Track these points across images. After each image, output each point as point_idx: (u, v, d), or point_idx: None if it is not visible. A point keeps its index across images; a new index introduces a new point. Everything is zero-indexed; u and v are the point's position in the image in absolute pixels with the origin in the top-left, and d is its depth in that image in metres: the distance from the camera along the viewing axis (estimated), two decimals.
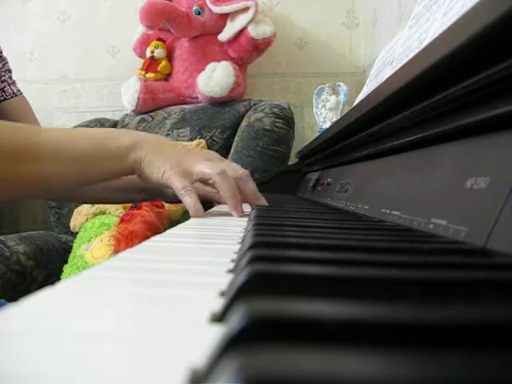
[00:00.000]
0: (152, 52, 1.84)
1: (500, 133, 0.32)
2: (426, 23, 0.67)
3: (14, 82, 0.91)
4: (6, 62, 0.90)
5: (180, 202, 0.61)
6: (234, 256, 0.30)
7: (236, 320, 0.13)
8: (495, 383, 0.10)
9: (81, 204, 1.56)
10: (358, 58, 1.91)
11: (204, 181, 0.62)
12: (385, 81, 0.54)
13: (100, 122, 1.88)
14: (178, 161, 0.62)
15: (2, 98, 0.87)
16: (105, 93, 2.08)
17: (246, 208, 0.67)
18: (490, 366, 0.10)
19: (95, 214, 1.51)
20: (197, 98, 1.78)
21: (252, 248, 0.26)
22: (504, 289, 0.19)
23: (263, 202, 0.67)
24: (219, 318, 0.17)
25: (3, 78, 0.88)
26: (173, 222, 1.37)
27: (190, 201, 0.59)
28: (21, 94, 0.92)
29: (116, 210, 1.48)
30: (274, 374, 0.10)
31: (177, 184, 0.60)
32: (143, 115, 1.83)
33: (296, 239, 0.31)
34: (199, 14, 1.78)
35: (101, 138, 0.62)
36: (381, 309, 0.14)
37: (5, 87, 0.88)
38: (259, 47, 1.75)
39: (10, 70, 0.91)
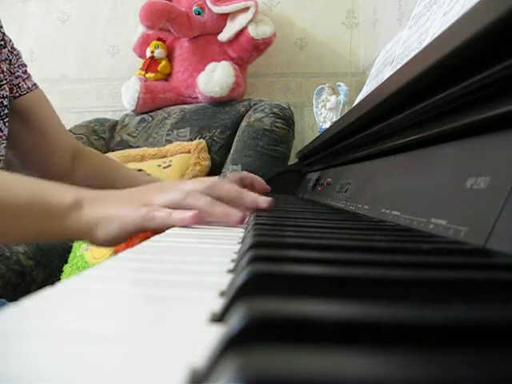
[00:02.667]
0: (152, 52, 1.84)
1: (500, 133, 0.32)
2: (426, 23, 0.67)
3: (28, 77, 0.88)
4: (20, 57, 0.88)
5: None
6: (234, 256, 0.30)
7: (236, 320, 0.13)
8: (496, 383, 0.10)
9: None
10: (358, 58, 1.91)
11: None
12: (385, 81, 0.54)
13: (100, 122, 1.88)
14: (133, 200, 0.53)
15: (18, 94, 0.85)
16: (105, 93, 2.08)
17: None
18: (491, 366, 0.10)
19: None
20: (197, 98, 1.78)
21: (252, 248, 0.26)
22: (504, 289, 0.19)
23: (256, 201, 0.56)
24: (219, 318, 0.17)
25: (17, 74, 0.86)
26: None
27: (161, 215, 0.50)
28: (36, 87, 0.89)
29: None
30: (273, 373, 0.10)
31: (136, 219, 0.50)
32: (143, 115, 1.83)
33: (296, 239, 0.31)
34: (199, 14, 1.78)
35: (38, 194, 0.53)
36: (381, 309, 0.14)
37: (19, 83, 0.86)
38: (259, 47, 1.75)
39: (23, 65, 0.88)
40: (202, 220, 0.50)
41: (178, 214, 0.49)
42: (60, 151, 0.90)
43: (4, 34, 0.82)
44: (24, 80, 0.86)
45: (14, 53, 0.86)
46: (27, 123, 0.86)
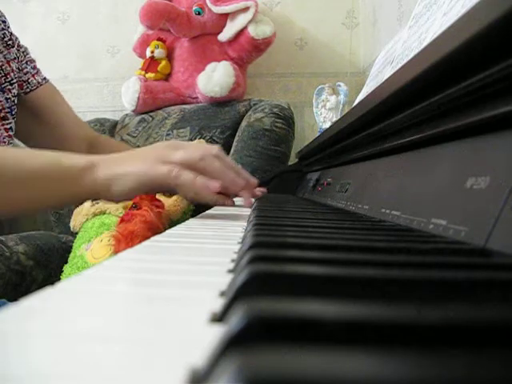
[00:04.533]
0: (152, 52, 1.84)
1: (500, 133, 0.32)
2: (426, 23, 0.67)
3: (37, 72, 0.89)
4: (28, 53, 0.88)
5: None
6: (234, 256, 0.30)
7: (236, 320, 0.13)
8: (496, 383, 0.10)
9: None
10: (358, 58, 1.91)
11: (186, 167, 0.55)
12: (385, 81, 0.54)
13: (100, 122, 1.88)
14: (147, 158, 0.56)
15: (28, 90, 0.85)
16: (105, 93, 2.08)
17: (247, 208, 0.67)
18: (491, 366, 0.10)
19: (95, 214, 1.51)
20: (197, 98, 1.78)
21: (252, 248, 0.26)
22: (504, 289, 0.19)
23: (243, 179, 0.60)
24: (219, 318, 0.17)
25: (26, 70, 0.86)
26: (173, 222, 1.37)
27: (188, 177, 0.52)
28: (47, 81, 0.89)
29: (116, 210, 1.47)
30: (274, 374, 0.10)
31: (160, 172, 0.53)
32: (143, 115, 1.83)
33: (296, 239, 0.31)
34: (199, 14, 1.78)
35: (51, 159, 0.56)
36: (381, 309, 0.14)
37: (29, 78, 0.86)
38: (259, 47, 1.75)
39: (32, 60, 0.88)
40: (216, 187, 0.53)
41: (202, 181, 0.52)
42: (75, 142, 0.89)
43: (11, 33, 0.83)
44: (33, 75, 0.87)
45: (21, 50, 0.86)
46: (40, 117, 0.86)
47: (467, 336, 0.13)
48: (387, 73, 0.82)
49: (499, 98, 0.32)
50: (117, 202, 0.59)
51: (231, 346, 0.12)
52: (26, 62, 0.87)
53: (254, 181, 0.60)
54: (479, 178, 0.33)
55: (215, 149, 0.59)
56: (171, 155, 0.55)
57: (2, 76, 0.79)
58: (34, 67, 0.88)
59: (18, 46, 0.85)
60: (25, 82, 0.85)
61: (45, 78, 0.89)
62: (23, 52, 0.86)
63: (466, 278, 0.19)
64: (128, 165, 0.55)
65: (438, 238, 0.34)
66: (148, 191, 0.57)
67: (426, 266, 0.23)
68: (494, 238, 0.28)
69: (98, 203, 1.49)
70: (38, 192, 0.55)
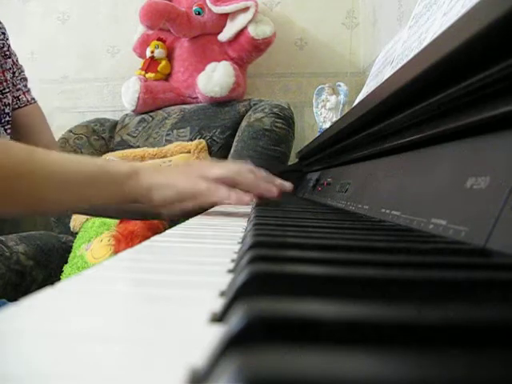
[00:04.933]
0: (152, 52, 1.84)
1: (500, 133, 0.32)
2: (426, 23, 0.67)
3: (28, 91, 0.92)
4: (22, 71, 0.91)
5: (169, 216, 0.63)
6: (234, 256, 0.30)
7: (236, 320, 0.13)
8: (496, 383, 0.10)
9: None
10: (358, 58, 1.91)
11: (222, 182, 0.61)
12: (385, 81, 0.54)
13: (100, 122, 1.88)
14: (188, 174, 0.61)
15: (17, 106, 0.88)
16: (105, 93, 2.08)
17: (246, 208, 0.67)
18: (491, 366, 0.10)
19: None
20: (197, 98, 1.78)
21: (252, 248, 0.26)
22: (504, 289, 0.19)
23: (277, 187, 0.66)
24: (219, 317, 0.17)
25: (18, 87, 0.88)
26: (173, 222, 1.37)
27: (224, 194, 0.58)
28: (35, 102, 0.92)
29: None
30: (274, 374, 0.10)
31: (198, 187, 0.58)
32: (143, 115, 1.83)
33: (296, 239, 0.31)
34: (199, 14, 1.78)
35: (98, 165, 0.61)
36: (381, 309, 0.14)
37: (20, 95, 0.88)
38: (259, 47, 1.75)
39: (25, 79, 0.91)
40: (250, 200, 0.59)
41: (236, 195, 0.58)
42: None
43: (9, 45, 0.86)
44: (24, 93, 0.90)
45: (18, 66, 0.90)
46: (21, 134, 0.89)
47: (467, 336, 0.13)
48: (387, 73, 0.82)
49: (499, 98, 0.32)
50: (156, 208, 0.63)
51: (231, 346, 0.12)
52: (20, 79, 0.89)
53: (289, 185, 0.66)
54: (479, 178, 0.33)
55: (248, 165, 0.66)
56: (209, 171, 0.61)
57: None
58: (26, 86, 0.90)
59: (16, 61, 0.88)
60: (15, 97, 0.88)
61: (33, 98, 0.92)
62: (19, 69, 0.89)
63: (465, 277, 0.19)
64: (169, 177, 0.61)
65: (438, 238, 0.34)
66: (187, 202, 0.61)
67: (426, 266, 0.23)
68: (494, 237, 0.28)
69: None
70: (84, 195, 0.60)
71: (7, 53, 0.84)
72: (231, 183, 0.61)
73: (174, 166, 0.72)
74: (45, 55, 2.08)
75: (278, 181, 0.67)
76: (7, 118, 0.82)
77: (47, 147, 0.94)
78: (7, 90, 0.83)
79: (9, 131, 0.82)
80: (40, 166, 0.56)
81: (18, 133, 0.89)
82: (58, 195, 0.58)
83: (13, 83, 0.86)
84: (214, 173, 0.61)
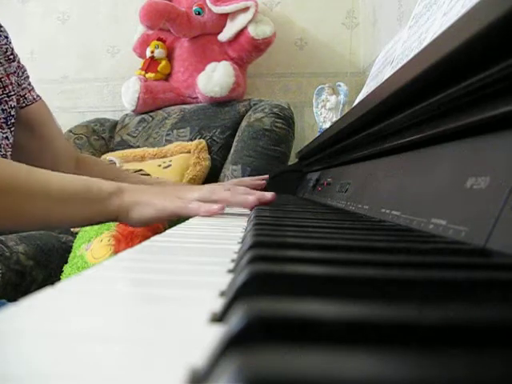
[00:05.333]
0: (152, 52, 1.84)
1: (500, 133, 0.32)
2: (426, 23, 0.67)
3: (33, 88, 0.94)
4: (25, 70, 0.93)
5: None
6: (234, 256, 0.30)
7: (236, 320, 0.13)
8: (496, 383, 0.10)
9: None
10: (358, 58, 1.91)
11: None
12: (385, 81, 0.54)
13: (100, 122, 1.88)
14: (166, 194, 0.65)
15: (24, 105, 0.90)
16: (105, 93, 2.08)
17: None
18: (491, 366, 0.10)
19: None
20: (197, 98, 1.78)
21: (252, 248, 0.26)
22: (504, 289, 0.19)
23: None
24: (219, 317, 0.17)
25: (23, 86, 0.91)
26: (173, 222, 1.37)
27: (194, 208, 0.61)
28: (40, 99, 0.95)
29: None
30: (274, 373, 0.10)
31: (174, 205, 0.62)
32: (143, 115, 1.83)
33: (296, 239, 0.31)
34: (199, 14, 1.78)
35: (83, 182, 0.63)
36: (381, 309, 0.14)
37: (25, 94, 0.91)
38: (259, 47, 1.75)
39: (28, 77, 0.94)
40: (223, 210, 0.62)
41: (206, 207, 0.61)
42: (65, 159, 0.97)
43: (13, 48, 0.88)
44: (30, 91, 0.92)
45: (20, 66, 0.92)
46: (34, 131, 0.92)
47: (467, 336, 0.13)
48: (387, 73, 0.82)
49: (499, 98, 0.32)
50: (134, 227, 0.66)
51: (231, 346, 0.12)
52: (24, 78, 0.92)
53: (270, 195, 0.67)
54: (479, 178, 0.33)
55: (228, 184, 0.70)
56: (186, 195, 0.67)
57: (0, 88, 0.82)
58: (30, 84, 0.93)
59: (19, 62, 0.90)
60: (22, 96, 0.90)
61: (38, 95, 0.95)
62: (21, 68, 0.91)
63: (466, 277, 0.19)
64: (151, 197, 0.64)
65: (438, 238, 0.34)
66: (160, 220, 0.66)
67: (426, 266, 0.23)
68: (494, 237, 0.28)
69: None
70: (67, 212, 0.62)
71: (11, 56, 0.86)
72: (209, 201, 0.65)
73: (160, 188, 0.76)
74: (45, 55, 2.08)
75: (258, 193, 0.70)
76: (12, 120, 0.84)
77: (61, 144, 0.96)
78: (13, 92, 0.84)
79: (13, 133, 0.84)
80: (24, 183, 0.58)
81: (31, 130, 0.91)
82: (42, 212, 0.60)
83: (18, 83, 0.88)
84: (192, 195, 0.66)
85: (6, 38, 0.87)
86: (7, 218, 0.58)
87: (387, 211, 0.49)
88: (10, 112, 0.84)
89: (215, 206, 0.61)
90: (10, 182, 0.57)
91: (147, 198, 0.64)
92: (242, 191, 0.70)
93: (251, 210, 0.66)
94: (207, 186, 0.73)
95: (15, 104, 0.86)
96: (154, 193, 0.66)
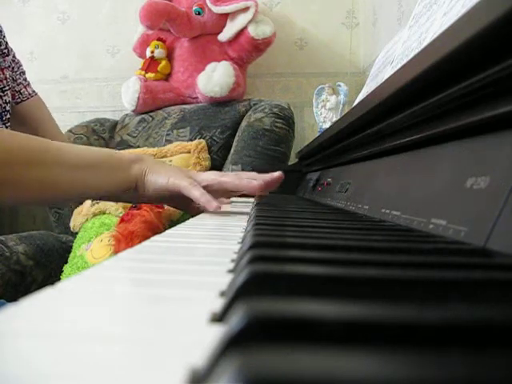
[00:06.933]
0: (152, 52, 1.84)
1: (500, 133, 0.32)
2: (426, 23, 0.67)
3: (28, 84, 0.94)
4: (20, 65, 0.93)
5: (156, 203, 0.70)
6: (234, 256, 0.30)
7: (236, 320, 0.13)
8: (496, 383, 0.10)
9: (81, 204, 1.56)
10: (358, 58, 1.91)
11: (208, 187, 0.69)
12: (385, 81, 0.54)
13: (100, 122, 1.88)
14: (181, 172, 0.71)
15: (19, 100, 0.90)
16: (105, 93, 2.08)
17: (247, 208, 0.67)
18: (491, 366, 0.10)
19: (95, 214, 1.51)
20: (197, 98, 1.78)
21: (252, 248, 0.26)
22: (504, 289, 0.19)
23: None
24: (219, 317, 0.17)
25: (19, 81, 0.91)
26: (173, 222, 1.37)
27: (197, 193, 0.65)
28: (36, 94, 0.95)
29: (116, 210, 1.47)
30: (273, 374, 0.10)
31: (184, 183, 0.67)
32: (143, 115, 1.83)
33: (296, 239, 0.31)
34: (199, 14, 1.78)
35: (105, 151, 0.69)
36: (381, 309, 0.14)
37: (21, 89, 0.91)
38: (259, 47, 1.75)
39: (24, 72, 0.94)
40: (219, 209, 0.65)
41: (208, 198, 0.65)
42: None
43: (7, 43, 0.87)
44: (25, 87, 0.92)
45: (16, 61, 0.92)
46: (29, 127, 0.92)
47: (467, 336, 0.13)
48: (387, 73, 0.82)
49: (499, 98, 0.32)
50: (147, 196, 0.70)
51: (231, 346, 0.12)
52: (20, 74, 0.92)
53: (278, 174, 0.71)
54: (479, 178, 0.33)
55: (237, 171, 0.73)
56: (198, 176, 0.71)
57: None
58: (25, 79, 0.93)
59: (14, 57, 0.90)
60: (17, 92, 0.90)
61: (34, 91, 0.95)
62: (17, 63, 0.91)
63: (465, 277, 0.19)
64: (167, 169, 0.70)
65: (438, 238, 0.34)
66: (170, 195, 0.70)
67: (426, 266, 0.23)
68: (494, 237, 0.28)
69: (98, 203, 1.49)
70: (93, 180, 0.66)
71: (5, 51, 0.85)
72: (218, 185, 0.70)
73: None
74: (45, 55, 2.08)
75: (265, 176, 0.73)
76: (8, 116, 0.83)
77: (54, 137, 0.96)
78: (7, 87, 0.84)
79: (9, 128, 0.84)
80: (52, 154, 0.62)
81: (26, 126, 0.91)
82: (69, 180, 0.63)
83: (13, 78, 0.88)
84: (202, 177, 0.70)
85: (0, 31, 0.87)
86: (36, 188, 0.61)
87: (387, 211, 0.49)
88: (4, 107, 0.84)
89: (214, 203, 0.64)
90: (38, 153, 0.60)
91: (163, 169, 0.70)
92: (247, 176, 0.73)
93: (257, 198, 0.71)
94: (216, 172, 0.77)
95: (10, 99, 0.85)
96: (170, 167, 0.73)
